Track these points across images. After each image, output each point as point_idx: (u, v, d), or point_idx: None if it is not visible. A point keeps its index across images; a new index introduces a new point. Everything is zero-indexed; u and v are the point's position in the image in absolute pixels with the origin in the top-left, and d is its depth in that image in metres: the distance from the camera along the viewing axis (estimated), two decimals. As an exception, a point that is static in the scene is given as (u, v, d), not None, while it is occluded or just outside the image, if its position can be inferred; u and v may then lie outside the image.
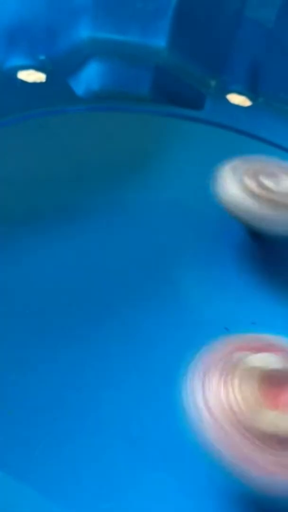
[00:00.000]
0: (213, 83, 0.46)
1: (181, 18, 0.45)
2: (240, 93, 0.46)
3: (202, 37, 0.45)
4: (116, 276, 0.33)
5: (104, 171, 0.39)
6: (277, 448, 0.22)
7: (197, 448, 0.24)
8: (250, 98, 0.46)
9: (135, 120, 0.43)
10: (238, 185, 0.34)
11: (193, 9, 0.45)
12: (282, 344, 0.25)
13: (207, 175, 0.39)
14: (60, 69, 0.44)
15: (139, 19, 0.45)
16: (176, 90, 0.45)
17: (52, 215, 0.36)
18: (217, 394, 0.24)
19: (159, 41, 0.45)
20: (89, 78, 0.44)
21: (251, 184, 0.33)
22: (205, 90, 0.45)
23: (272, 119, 0.45)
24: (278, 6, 0.45)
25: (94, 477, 0.26)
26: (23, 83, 0.43)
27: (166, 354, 0.31)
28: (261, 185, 0.33)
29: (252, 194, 0.33)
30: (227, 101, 0.46)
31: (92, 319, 0.31)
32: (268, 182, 0.34)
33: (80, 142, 0.40)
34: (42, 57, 0.44)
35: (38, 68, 0.43)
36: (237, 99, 0.46)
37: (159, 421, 0.28)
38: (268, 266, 0.36)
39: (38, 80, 0.43)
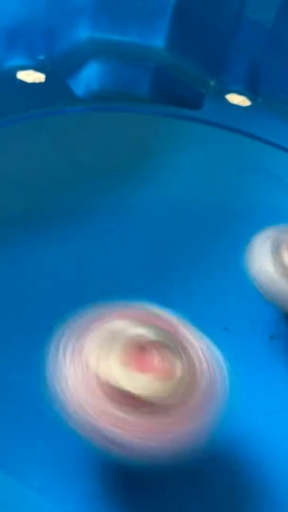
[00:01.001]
0: (212, 83, 0.46)
1: (180, 18, 0.45)
2: (239, 93, 0.46)
3: (201, 37, 0.45)
4: (116, 276, 0.34)
5: (103, 171, 0.39)
6: (144, 412, 0.23)
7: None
8: (249, 98, 0.46)
9: (134, 120, 0.43)
10: (273, 260, 0.29)
11: (192, 10, 0.45)
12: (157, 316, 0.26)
13: (207, 174, 0.39)
14: (59, 69, 0.44)
15: (138, 19, 0.45)
16: (175, 90, 0.45)
17: (51, 215, 0.36)
18: (83, 362, 0.24)
19: (158, 41, 0.45)
20: (88, 78, 0.44)
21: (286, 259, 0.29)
22: (204, 90, 0.45)
23: (271, 119, 0.45)
24: (277, 6, 0.45)
25: (94, 477, 0.26)
26: (23, 83, 0.43)
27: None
28: None
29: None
30: (226, 101, 0.46)
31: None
32: None
33: (79, 142, 0.40)
34: (41, 57, 0.44)
35: (38, 68, 0.43)
36: (236, 99, 0.46)
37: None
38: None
39: (37, 80, 0.43)
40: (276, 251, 0.29)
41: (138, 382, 0.23)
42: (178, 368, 0.24)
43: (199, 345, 0.25)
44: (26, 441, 0.27)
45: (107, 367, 0.23)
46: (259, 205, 0.39)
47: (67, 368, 0.24)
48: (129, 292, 0.33)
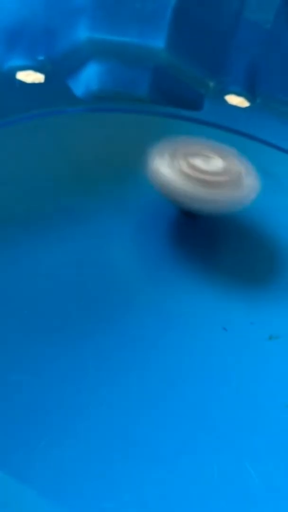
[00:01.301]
0: (211, 84, 0.46)
1: (179, 19, 0.45)
2: (238, 94, 0.46)
3: (200, 39, 0.45)
4: (115, 277, 0.34)
5: (103, 171, 0.39)
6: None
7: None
8: (248, 99, 0.46)
9: (133, 120, 0.43)
10: (169, 166, 0.35)
11: (191, 11, 0.45)
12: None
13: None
14: (59, 70, 0.44)
15: (137, 20, 0.45)
16: (175, 91, 0.45)
17: (51, 215, 0.36)
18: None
19: (158, 42, 0.45)
20: (88, 78, 0.44)
21: (182, 165, 0.35)
22: (203, 91, 0.45)
23: (269, 119, 0.45)
24: (276, 8, 0.45)
25: (94, 477, 0.26)
26: (22, 83, 0.43)
27: (165, 354, 0.31)
28: (191, 166, 0.35)
29: (184, 174, 0.35)
30: (225, 102, 0.46)
31: (92, 319, 0.31)
32: (198, 162, 0.35)
33: (79, 142, 0.40)
34: (41, 58, 0.44)
35: (37, 69, 0.43)
36: (235, 100, 0.46)
37: (159, 422, 0.28)
38: (199, 243, 0.36)
39: (37, 81, 0.43)
40: (172, 156, 0.35)
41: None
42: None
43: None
44: (26, 441, 0.27)
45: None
46: (257, 205, 0.39)
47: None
48: (128, 293, 0.33)
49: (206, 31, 0.46)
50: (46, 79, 0.43)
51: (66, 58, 0.44)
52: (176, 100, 0.45)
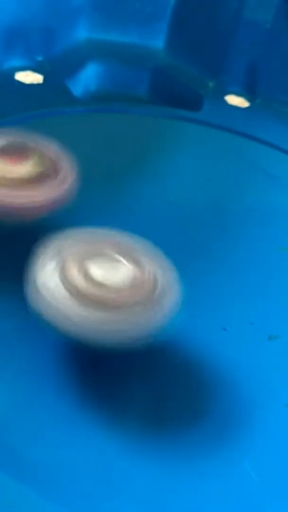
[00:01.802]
0: (211, 84, 0.46)
1: (179, 19, 0.45)
2: (238, 94, 0.46)
3: (200, 38, 0.45)
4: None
5: (101, 172, 0.39)
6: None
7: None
8: (248, 99, 0.46)
9: (133, 121, 0.43)
10: (55, 277, 0.25)
11: (191, 10, 0.45)
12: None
13: (205, 175, 0.39)
14: (57, 70, 0.44)
15: (137, 20, 0.45)
16: (174, 91, 0.45)
17: (50, 215, 0.36)
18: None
19: (157, 42, 0.45)
20: (87, 79, 0.44)
21: (72, 274, 0.26)
22: (203, 91, 0.45)
23: (270, 120, 0.45)
24: (276, 7, 0.45)
25: (93, 477, 0.26)
26: (21, 84, 0.43)
27: (164, 354, 0.31)
28: (86, 275, 0.26)
29: (74, 289, 0.25)
30: (225, 102, 0.46)
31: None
32: (96, 270, 0.26)
33: (78, 143, 0.40)
34: (39, 58, 0.44)
35: (36, 69, 0.43)
36: (235, 100, 0.46)
37: (157, 421, 0.28)
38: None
39: (35, 81, 0.43)
40: (61, 261, 0.26)
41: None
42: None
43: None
44: (25, 441, 0.27)
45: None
46: (257, 206, 0.39)
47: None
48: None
49: (206, 31, 0.46)
50: (44, 79, 0.43)
51: (65, 59, 0.44)
52: (176, 100, 0.45)
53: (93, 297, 0.25)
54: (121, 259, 0.26)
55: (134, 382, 0.29)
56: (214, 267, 0.35)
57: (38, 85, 0.43)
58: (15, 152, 0.30)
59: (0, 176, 0.28)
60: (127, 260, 0.26)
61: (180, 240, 0.36)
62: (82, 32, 0.44)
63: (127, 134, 0.42)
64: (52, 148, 0.31)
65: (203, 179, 0.40)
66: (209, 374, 0.30)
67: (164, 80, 0.45)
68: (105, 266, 0.26)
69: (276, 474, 0.27)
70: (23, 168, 0.29)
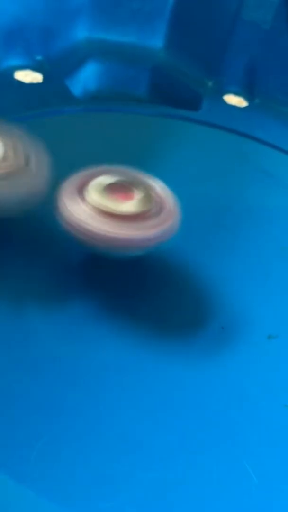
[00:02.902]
0: (209, 84, 0.46)
1: (178, 19, 0.45)
2: (236, 94, 0.46)
3: (199, 38, 0.45)
4: (114, 277, 0.33)
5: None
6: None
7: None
8: (247, 99, 0.46)
9: (132, 120, 0.43)
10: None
11: (190, 10, 0.45)
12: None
13: (204, 175, 0.39)
14: (57, 70, 0.44)
15: (136, 19, 0.45)
16: (173, 91, 0.45)
17: (48, 215, 0.36)
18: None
19: (156, 41, 0.45)
20: (86, 78, 0.44)
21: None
22: (201, 91, 0.45)
23: (268, 119, 0.45)
24: (274, 7, 0.45)
25: (93, 477, 0.26)
26: (20, 83, 0.43)
27: (164, 354, 0.31)
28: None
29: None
30: (223, 102, 0.46)
31: (90, 317, 0.31)
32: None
33: (77, 142, 0.40)
34: (39, 58, 0.44)
35: (35, 69, 0.43)
36: (234, 100, 0.46)
37: (156, 422, 0.28)
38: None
39: (35, 81, 0.43)
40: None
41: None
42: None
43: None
44: (24, 440, 0.27)
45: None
46: (256, 205, 0.39)
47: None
48: (127, 292, 0.33)
49: (205, 31, 0.46)
50: (44, 79, 0.43)
51: (64, 58, 0.44)
52: (174, 99, 0.45)
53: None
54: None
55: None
56: (214, 266, 0.35)
57: (37, 84, 0.43)
58: (123, 189, 0.32)
59: (108, 211, 0.30)
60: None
61: (179, 239, 0.36)
62: (81, 32, 0.44)
63: (126, 133, 0.42)
64: (157, 186, 0.33)
65: (202, 178, 0.40)
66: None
67: (163, 79, 0.45)
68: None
69: (275, 474, 0.27)
70: (130, 205, 0.31)
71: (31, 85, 0.43)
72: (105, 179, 0.32)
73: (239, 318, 0.33)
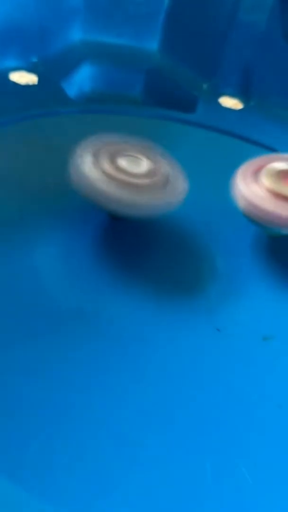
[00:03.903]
0: (205, 86, 0.46)
1: (173, 21, 0.45)
2: (232, 96, 0.46)
3: (194, 40, 0.46)
4: (114, 276, 0.33)
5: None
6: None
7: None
8: (242, 101, 0.46)
9: (127, 122, 0.43)
10: (94, 166, 0.33)
11: (185, 12, 0.45)
12: None
13: (199, 177, 0.39)
14: (52, 71, 0.44)
15: (131, 22, 0.45)
16: (168, 93, 0.45)
17: (45, 217, 0.36)
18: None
19: (152, 44, 0.45)
20: (81, 80, 0.44)
21: (107, 165, 0.33)
22: (197, 93, 0.46)
23: (263, 122, 0.45)
24: (269, 9, 0.45)
25: (89, 477, 0.26)
26: (16, 85, 0.43)
27: (157, 356, 0.31)
28: (117, 167, 0.33)
29: (108, 176, 0.33)
30: (219, 104, 0.46)
31: (86, 320, 0.31)
32: (123, 163, 0.34)
33: (72, 143, 0.40)
34: (34, 59, 0.44)
35: (31, 70, 0.44)
36: (229, 102, 0.46)
37: (151, 423, 0.28)
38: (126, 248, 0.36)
39: (30, 82, 0.43)
40: (96, 156, 0.34)
41: None
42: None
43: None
44: (18, 441, 0.27)
45: None
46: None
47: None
48: (129, 287, 0.33)
49: (200, 33, 0.46)
50: (39, 80, 0.43)
51: (60, 60, 0.44)
52: (170, 102, 0.45)
53: (121, 181, 0.33)
54: (141, 156, 0.35)
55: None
56: (211, 268, 0.35)
57: (32, 86, 0.43)
58: None
59: (283, 194, 0.33)
60: (145, 157, 0.35)
61: (178, 241, 0.36)
62: (76, 34, 0.45)
63: (121, 135, 0.42)
64: None
65: (197, 180, 0.40)
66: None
67: (158, 81, 0.45)
68: (129, 160, 0.34)
69: (270, 474, 0.27)
70: None
71: (26, 87, 0.43)
72: (279, 166, 0.35)
73: (234, 320, 0.33)
